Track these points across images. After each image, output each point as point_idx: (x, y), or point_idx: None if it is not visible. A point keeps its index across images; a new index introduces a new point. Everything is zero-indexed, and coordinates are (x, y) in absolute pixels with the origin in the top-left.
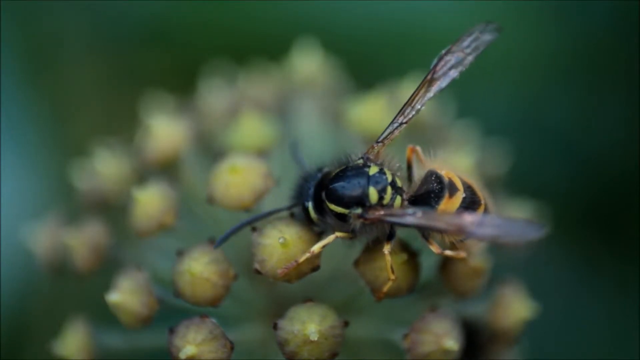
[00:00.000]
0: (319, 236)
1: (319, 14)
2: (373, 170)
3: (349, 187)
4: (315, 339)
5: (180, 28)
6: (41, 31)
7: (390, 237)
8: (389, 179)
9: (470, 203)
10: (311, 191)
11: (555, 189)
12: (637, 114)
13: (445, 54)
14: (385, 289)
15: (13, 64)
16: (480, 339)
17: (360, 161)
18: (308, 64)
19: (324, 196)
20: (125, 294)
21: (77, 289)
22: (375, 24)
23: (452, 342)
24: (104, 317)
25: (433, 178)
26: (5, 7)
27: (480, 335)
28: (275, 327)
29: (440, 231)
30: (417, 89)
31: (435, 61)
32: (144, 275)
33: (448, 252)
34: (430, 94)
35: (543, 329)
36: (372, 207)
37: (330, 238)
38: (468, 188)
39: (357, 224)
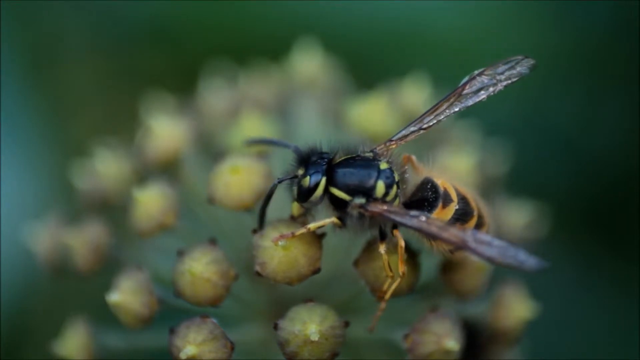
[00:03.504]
0: (320, 237)
1: (319, 14)
2: (384, 165)
3: (359, 175)
4: (316, 339)
5: (180, 28)
6: (41, 31)
7: (383, 236)
8: (396, 177)
9: (463, 214)
10: (325, 167)
11: (555, 189)
12: (637, 114)
13: (478, 74)
14: (385, 287)
15: (13, 63)
16: (480, 339)
17: (370, 154)
18: (308, 64)
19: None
20: (126, 294)
21: (77, 289)
22: (375, 24)
23: (452, 343)
24: (105, 317)
25: (429, 186)
26: (6, 6)
27: (480, 336)
28: (275, 327)
29: (439, 239)
30: (442, 99)
31: (466, 79)
32: (144, 275)
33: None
34: (455, 109)
35: (543, 329)
36: (375, 200)
37: (327, 221)
38: (462, 199)
39: (355, 213)
